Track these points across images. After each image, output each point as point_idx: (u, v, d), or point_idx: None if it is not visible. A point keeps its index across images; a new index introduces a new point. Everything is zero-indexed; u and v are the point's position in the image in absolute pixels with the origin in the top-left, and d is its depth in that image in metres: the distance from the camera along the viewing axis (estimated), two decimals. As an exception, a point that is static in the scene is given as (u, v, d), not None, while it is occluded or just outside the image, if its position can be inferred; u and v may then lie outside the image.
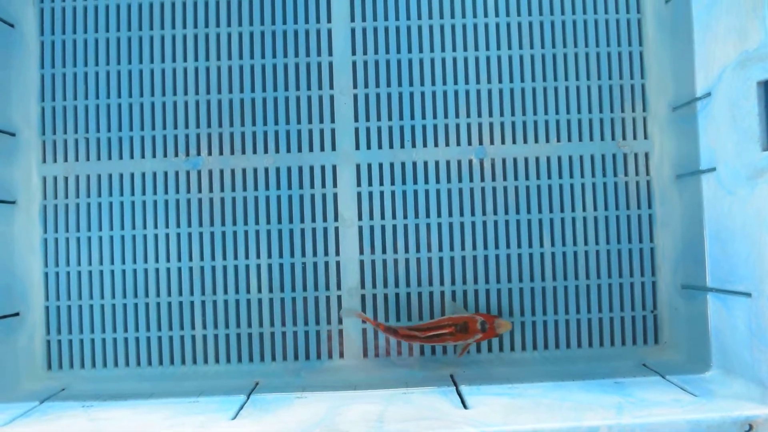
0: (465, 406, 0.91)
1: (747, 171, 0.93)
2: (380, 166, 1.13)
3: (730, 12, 0.96)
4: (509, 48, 1.15)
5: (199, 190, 1.13)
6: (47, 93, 1.14)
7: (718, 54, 0.99)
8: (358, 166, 1.13)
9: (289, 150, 1.13)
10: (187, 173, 1.13)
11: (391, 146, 1.14)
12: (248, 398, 0.98)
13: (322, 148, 1.13)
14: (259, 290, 1.12)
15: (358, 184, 1.13)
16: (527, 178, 1.14)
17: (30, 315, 1.11)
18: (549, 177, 1.14)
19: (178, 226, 1.13)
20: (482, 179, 1.14)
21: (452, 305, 1.12)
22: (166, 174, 1.13)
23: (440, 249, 1.13)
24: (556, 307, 1.13)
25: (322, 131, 1.14)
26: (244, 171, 1.13)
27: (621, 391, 0.96)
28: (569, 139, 1.14)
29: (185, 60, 1.14)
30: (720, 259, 1.00)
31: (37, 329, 1.12)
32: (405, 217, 1.13)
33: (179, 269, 1.13)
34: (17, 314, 1.08)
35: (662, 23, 1.13)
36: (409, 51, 1.14)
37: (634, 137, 1.14)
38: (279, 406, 0.94)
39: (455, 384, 1.01)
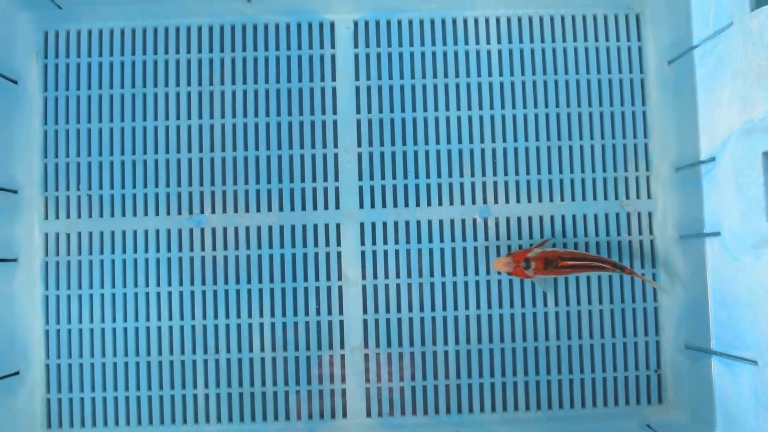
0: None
1: (752, 239, 0.93)
2: (384, 225, 1.13)
3: (735, 79, 0.97)
4: (513, 107, 1.15)
5: (203, 248, 1.13)
6: (50, 149, 1.14)
7: (722, 120, 0.99)
8: (362, 225, 1.13)
9: (293, 208, 1.13)
10: (191, 231, 1.13)
11: (395, 205, 1.13)
12: (251, 462, 0.98)
13: (326, 207, 1.13)
14: (262, 349, 1.12)
15: (362, 243, 1.13)
16: (531, 236, 1.14)
17: (30, 373, 1.10)
18: (553, 236, 1.14)
19: (181, 284, 1.12)
20: (486, 238, 1.14)
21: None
22: (169, 232, 1.13)
23: (444, 308, 1.12)
24: (559, 367, 1.13)
25: (326, 190, 1.14)
26: (247, 229, 1.13)
27: (627, 455, 0.96)
28: (573, 198, 1.14)
29: (189, 117, 1.14)
30: (725, 323, 1.00)
31: (36, 388, 1.11)
32: (409, 276, 1.13)
33: (181, 327, 1.12)
34: (17, 373, 1.07)
35: (665, 84, 1.14)
36: (414, 110, 1.15)
37: (638, 197, 1.15)
38: (283, 472, 0.94)
39: (459, 447, 1.01)
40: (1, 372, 1.04)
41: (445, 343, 1.12)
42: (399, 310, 1.13)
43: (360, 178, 1.14)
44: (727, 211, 0.99)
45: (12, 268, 1.08)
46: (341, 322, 1.12)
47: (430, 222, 1.13)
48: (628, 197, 1.15)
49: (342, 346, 1.12)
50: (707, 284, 1.04)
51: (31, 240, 1.12)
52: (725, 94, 0.99)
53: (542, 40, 1.16)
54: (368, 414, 1.12)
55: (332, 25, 1.16)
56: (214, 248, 1.13)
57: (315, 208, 1.13)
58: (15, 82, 1.10)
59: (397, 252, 1.13)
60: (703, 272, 1.04)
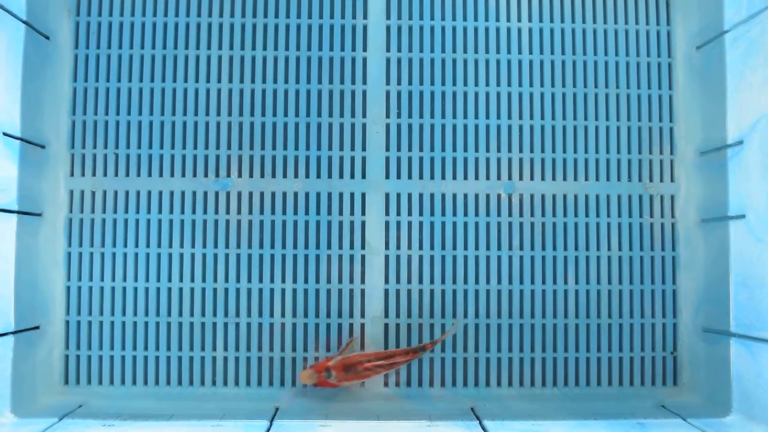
0: (491, 442, 0.91)
1: (780, 221, 0.94)
2: (409, 196, 1.14)
3: (768, 64, 0.98)
4: (542, 85, 1.16)
5: (227, 212, 1.13)
6: (78, 106, 1.14)
7: (752, 103, 1.00)
8: (387, 195, 1.14)
9: (319, 176, 1.14)
10: (216, 194, 1.13)
11: (420, 177, 1.14)
12: (271, 424, 0.98)
13: (352, 176, 1.14)
14: (283, 315, 1.12)
15: (387, 213, 1.14)
16: (554, 215, 1.14)
17: (50, 328, 1.10)
18: (576, 215, 1.14)
19: (204, 246, 1.12)
20: (510, 214, 1.14)
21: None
22: (194, 194, 1.13)
23: (465, 281, 1.13)
24: (577, 345, 1.13)
25: (352, 159, 1.14)
26: (273, 194, 1.13)
27: (644, 432, 0.96)
28: (597, 179, 1.15)
29: (219, 81, 1.14)
30: (746, 305, 1.01)
31: (56, 343, 1.11)
32: (431, 248, 1.13)
33: (203, 290, 1.12)
34: (37, 327, 1.07)
35: (693, 68, 1.14)
36: (443, 83, 1.15)
37: (661, 179, 1.16)
38: (303, 434, 0.94)
39: (478, 418, 1.01)
40: (21, 325, 1.04)
41: (465, 316, 1.13)
42: (420, 281, 1.13)
43: (387, 149, 1.14)
44: (753, 193, 1.00)
45: (37, 223, 1.08)
46: (362, 291, 1.13)
47: (454, 195, 1.14)
48: (651, 180, 1.16)
49: (362, 315, 1.12)
50: (729, 267, 1.05)
51: (57, 196, 1.12)
52: (757, 78, 1.00)
53: (572, 20, 1.17)
54: (386, 384, 1.12)
55: (365, -5, 1.17)
56: (238, 212, 1.13)
57: (341, 176, 1.14)
58: (47, 38, 1.10)
59: (420, 224, 1.14)
60: (725, 255, 1.05)
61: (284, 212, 1.13)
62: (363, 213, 1.13)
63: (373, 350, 1.10)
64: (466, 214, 1.14)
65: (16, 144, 1.03)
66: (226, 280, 1.12)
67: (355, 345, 1.11)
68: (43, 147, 1.09)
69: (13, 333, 1.02)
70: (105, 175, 1.13)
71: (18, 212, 1.03)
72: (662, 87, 1.17)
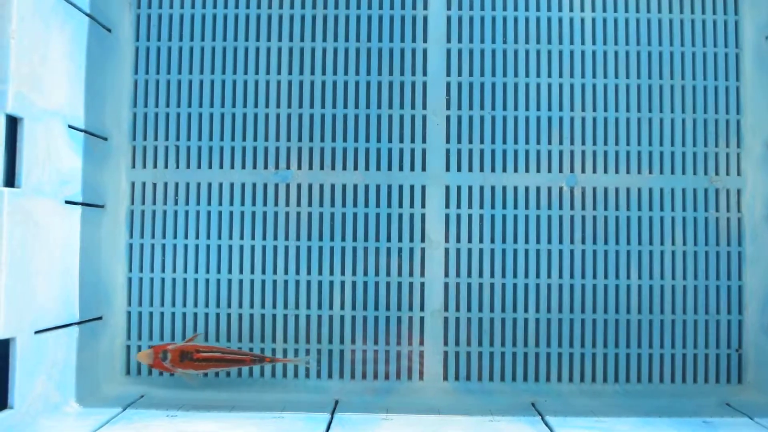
0: (557, 439, 0.90)
1: None
2: (470, 188, 1.13)
3: (844, 54, 0.95)
4: (605, 77, 1.14)
5: (287, 204, 1.13)
6: (140, 99, 1.14)
7: (826, 95, 0.98)
8: (447, 188, 1.13)
9: (378, 168, 1.13)
10: (276, 186, 1.13)
11: (481, 169, 1.13)
12: (332, 417, 0.98)
13: (412, 168, 1.13)
14: (342, 307, 1.12)
15: (447, 206, 1.13)
16: (617, 208, 1.13)
17: (112, 319, 1.11)
18: (639, 209, 1.13)
19: (264, 238, 1.13)
20: (572, 208, 1.13)
21: None
22: (254, 186, 1.13)
23: (526, 276, 1.12)
24: (639, 341, 1.12)
25: (412, 151, 1.13)
26: (332, 187, 1.13)
27: (711, 431, 0.94)
28: (661, 172, 1.13)
29: (279, 73, 1.14)
30: (817, 302, 0.99)
31: (118, 334, 1.12)
32: (492, 241, 1.12)
33: (263, 282, 1.12)
34: (100, 318, 1.09)
35: (761, 59, 1.12)
36: (504, 75, 1.14)
37: (727, 173, 1.13)
38: (366, 427, 0.94)
39: (540, 414, 1.00)
40: (86, 315, 1.05)
41: (526, 310, 1.12)
42: (481, 275, 1.12)
43: (447, 141, 1.13)
44: (827, 188, 0.98)
45: (99, 214, 1.09)
46: (422, 284, 1.12)
47: (515, 188, 1.13)
48: (717, 173, 1.13)
49: (422, 309, 1.12)
50: (799, 263, 1.02)
51: (118, 188, 1.13)
52: (832, 69, 0.97)
53: (637, 10, 1.14)
54: (445, 377, 1.12)
55: (425, -14, 1.15)
56: (298, 204, 1.13)
57: (401, 169, 1.13)
58: (109, 30, 1.11)
59: (481, 217, 1.13)
60: (795, 251, 1.03)
61: (344, 204, 1.13)
62: (423, 205, 1.13)
63: (207, 345, 1.10)
64: (527, 207, 1.13)
65: (80, 136, 1.04)
66: (286, 272, 1.12)
67: (200, 339, 1.11)
68: (105, 139, 1.10)
69: (78, 323, 1.03)
70: (166, 167, 1.14)
71: (82, 204, 1.04)
72: (729, 78, 1.14)
